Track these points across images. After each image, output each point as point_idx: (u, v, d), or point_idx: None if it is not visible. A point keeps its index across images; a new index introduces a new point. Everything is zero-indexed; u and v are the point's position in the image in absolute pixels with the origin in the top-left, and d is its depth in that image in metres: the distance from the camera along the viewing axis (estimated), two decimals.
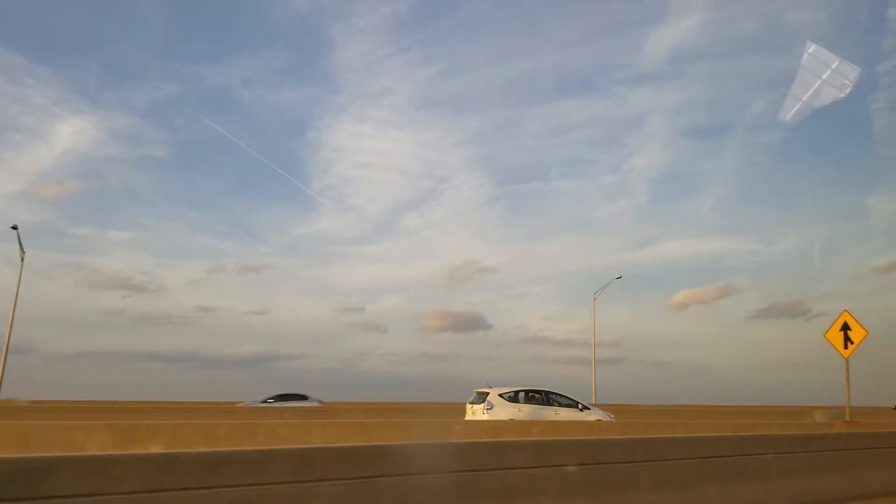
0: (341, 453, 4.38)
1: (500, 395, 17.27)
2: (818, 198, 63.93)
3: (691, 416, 28.88)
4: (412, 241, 74.86)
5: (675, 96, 70.44)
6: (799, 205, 67.59)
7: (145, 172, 72.13)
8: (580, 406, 17.89)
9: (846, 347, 14.30)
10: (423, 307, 77.08)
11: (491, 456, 4.76)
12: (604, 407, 20.62)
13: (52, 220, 67.51)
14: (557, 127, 74.05)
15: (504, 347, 67.62)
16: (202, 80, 69.66)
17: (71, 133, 65.13)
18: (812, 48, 12.93)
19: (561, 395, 17.98)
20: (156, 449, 4.44)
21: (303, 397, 28.71)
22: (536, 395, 17.72)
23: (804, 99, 13.01)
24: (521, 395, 17.64)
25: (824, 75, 12.46)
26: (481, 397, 17.40)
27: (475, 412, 17.18)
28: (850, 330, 14.29)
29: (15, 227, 32.65)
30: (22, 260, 32.95)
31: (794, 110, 13.22)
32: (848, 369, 14.46)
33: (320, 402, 29.04)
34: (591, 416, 17.61)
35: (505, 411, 16.87)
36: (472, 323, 70.67)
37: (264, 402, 28.04)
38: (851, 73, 12.91)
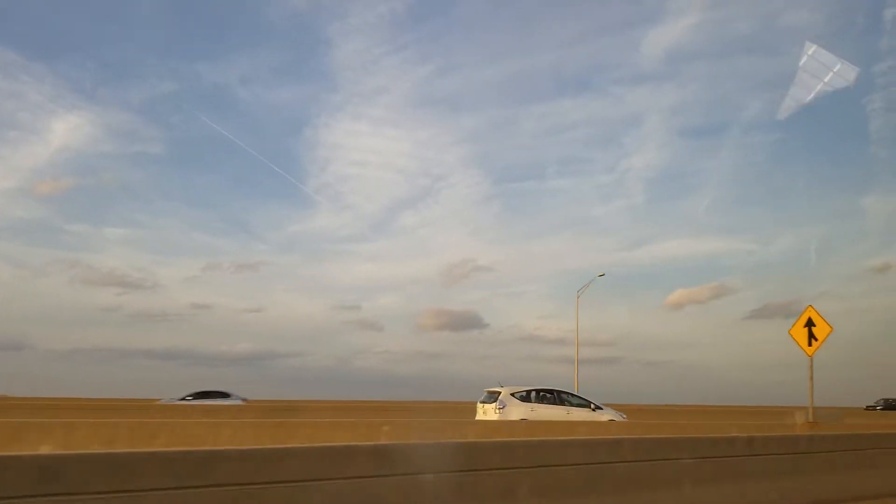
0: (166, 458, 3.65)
1: (513, 395, 17.15)
2: (814, 198, 63.80)
3: (688, 416, 28.19)
4: (408, 239, 74.39)
5: (672, 96, 70.20)
6: (794, 205, 67.40)
7: (141, 169, 71.44)
8: (593, 406, 17.63)
9: (810, 344, 13.62)
10: (419, 305, 76.63)
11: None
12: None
13: (47, 216, 66.78)
14: (554, 126, 73.70)
15: (499, 346, 67.38)
16: (199, 78, 69.07)
17: (67, 129, 64.46)
18: (813, 49, 12.70)
19: (573, 395, 17.85)
20: (44, 450, 3.77)
21: (225, 395, 27.48)
22: (548, 395, 17.59)
23: (800, 99, 12.80)
24: (533, 394, 17.49)
25: (822, 76, 12.28)
26: (492, 396, 17.24)
27: (486, 411, 17.00)
28: (814, 326, 13.61)
29: None
30: None
31: (791, 111, 13.00)
32: (812, 367, 13.79)
33: (244, 399, 27.88)
34: (604, 416, 17.33)
35: (517, 411, 16.74)
36: (467, 321, 70.30)
37: (182, 399, 26.81)
38: (850, 74, 12.71)
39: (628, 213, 72.43)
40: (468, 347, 69.57)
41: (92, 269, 66.50)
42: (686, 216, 72.12)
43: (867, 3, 57.62)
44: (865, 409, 41.69)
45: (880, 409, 44.20)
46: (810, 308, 13.87)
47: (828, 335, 13.44)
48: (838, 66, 12.56)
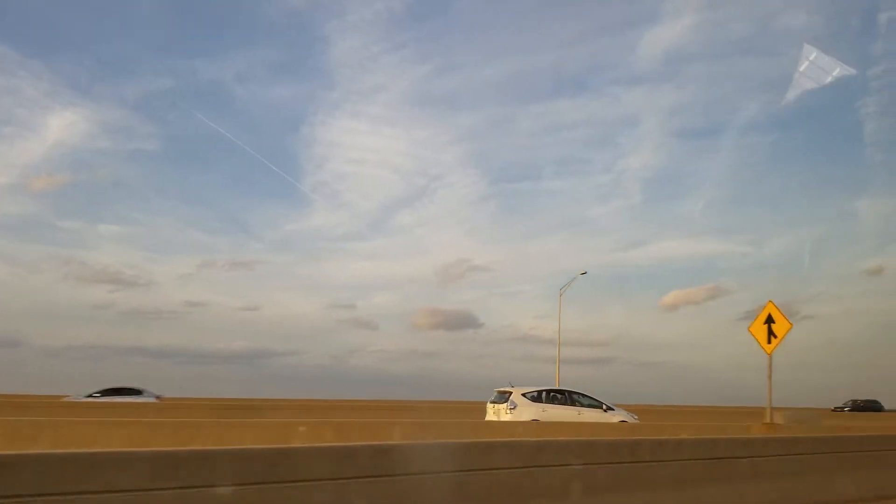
0: None
1: (524, 395, 16.80)
2: (809, 200, 63.38)
3: (685, 416, 27.44)
4: (405, 238, 73.60)
5: (669, 97, 69.56)
6: (790, 207, 66.96)
7: (137, 166, 70.50)
8: (604, 407, 17.19)
9: (769, 342, 12.95)
10: (414, 304, 75.85)
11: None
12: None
13: (41, 212, 65.80)
14: (551, 126, 73.02)
15: (494, 346, 66.77)
16: (196, 75, 68.09)
17: (62, 125, 63.51)
18: (814, 55, 12.46)
19: (584, 395, 17.40)
20: None
21: (136, 392, 25.84)
22: (559, 395, 17.24)
23: (797, 101, 12.60)
24: (544, 394, 17.11)
25: (819, 79, 11.99)
26: (503, 397, 16.87)
27: (497, 412, 16.62)
28: (774, 323, 12.94)
29: None
30: None
31: (788, 113, 12.72)
32: (770, 366, 13.12)
33: (158, 397, 26.35)
34: (615, 417, 16.91)
35: (529, 411, 16.37)
36: (462, 321, 69.60)
37: (89, 396, 25.22)
38: (847, 76, 12.52)
39: (625, 213, 71.82)
40: (463, 347, 68.94)
41: (86, 266, 65.57)
42: (682, 217, 71.54)
43: (862, 6, 57.23)
44: (833, 411, 41.07)
45: (848, 411, 43.59)
46: (770, 303, 13.20)
47: (787, 332, 12.77)
48: (836, 70, 12.47)
